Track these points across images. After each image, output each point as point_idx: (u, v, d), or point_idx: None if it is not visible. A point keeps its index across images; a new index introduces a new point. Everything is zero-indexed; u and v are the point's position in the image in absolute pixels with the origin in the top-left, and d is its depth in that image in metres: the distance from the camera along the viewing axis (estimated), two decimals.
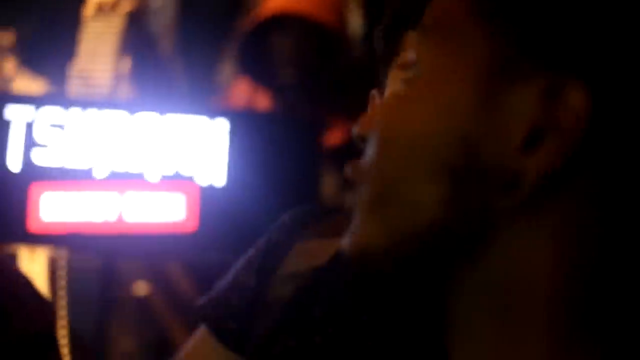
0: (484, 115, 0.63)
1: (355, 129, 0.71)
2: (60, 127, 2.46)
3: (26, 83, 3.06)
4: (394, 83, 0.76)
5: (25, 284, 1.11)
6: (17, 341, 0.99)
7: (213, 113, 2.56)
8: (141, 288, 2.71)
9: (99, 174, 2.46)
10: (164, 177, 2.49)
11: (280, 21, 2.79)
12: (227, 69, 2.94)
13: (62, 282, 2.46)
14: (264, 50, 2.82)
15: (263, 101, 2.86)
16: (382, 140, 0.66)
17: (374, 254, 0.68)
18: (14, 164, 2.42)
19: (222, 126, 2.53)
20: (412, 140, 0.65)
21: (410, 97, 0.66)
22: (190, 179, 2.50)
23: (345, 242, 0.71)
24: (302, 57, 2.81)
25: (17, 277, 1.11)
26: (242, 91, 2.88)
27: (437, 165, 0.64)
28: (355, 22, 2.77)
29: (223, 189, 2.50)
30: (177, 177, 2.50)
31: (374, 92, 0.85)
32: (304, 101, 2.81)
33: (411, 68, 0.68)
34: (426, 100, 0.65)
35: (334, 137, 2.74)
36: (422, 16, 0.67)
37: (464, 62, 0.64)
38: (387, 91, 0.77)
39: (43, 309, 1.08)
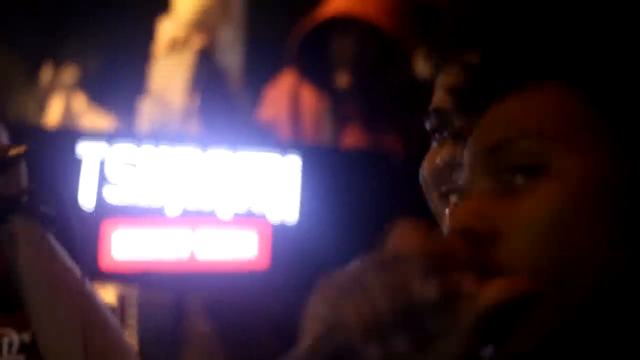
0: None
1: (471, 222, 0.69)
2: (132, 164, 2.46)
3: (95, 119, 3.08)
4: (495, 181, 0.74)
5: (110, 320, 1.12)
6: None
7: (284, 149, 2.55)
8: (212, 325, 2.69)
9: (171, 211, 2.46)
10: (236, 215, 2.48)
11: (342, 23, 2.77)
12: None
13: (133, 320, 2.46)
14: (322, 49, 2.80)
15: (307, 96, 2.82)
16: (542, 228, 0.68)
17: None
18: (86, 200, 2.42)
19: (293, 162, 2.52)
20: (572, 224, 0.68)
21: (546, 190, 0.68)
22: (262, 216, 2.49)
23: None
24: (359, 61, 2.79)
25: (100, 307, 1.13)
26: (287, 84, 2.84)
27: (607, 219, 0.68)
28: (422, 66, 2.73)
29: (295, 226, 2.49)
30: (249, 214, 2.48)
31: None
32: (357, 104, 2.79)
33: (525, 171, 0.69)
34: (571, 187, 0.68)
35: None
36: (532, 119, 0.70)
37: (599, 152, 0.69)
38: (491, 187, 0.76)
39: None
